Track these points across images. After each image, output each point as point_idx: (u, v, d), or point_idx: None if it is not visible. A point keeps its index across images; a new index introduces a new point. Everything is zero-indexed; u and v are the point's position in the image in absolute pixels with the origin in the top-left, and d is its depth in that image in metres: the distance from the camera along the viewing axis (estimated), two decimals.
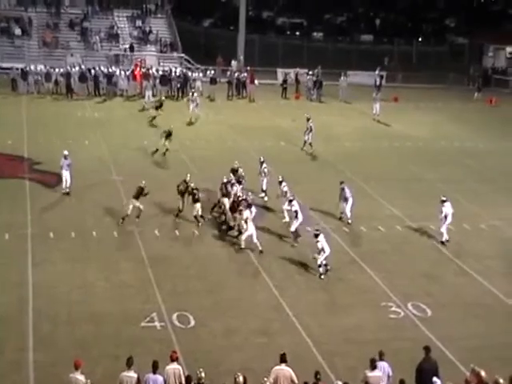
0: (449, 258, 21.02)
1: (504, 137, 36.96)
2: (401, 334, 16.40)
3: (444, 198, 22.03)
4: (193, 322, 16.47)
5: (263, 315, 17.02)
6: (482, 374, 12.46)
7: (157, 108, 35.45)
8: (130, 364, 12.55)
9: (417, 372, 13.26)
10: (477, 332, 16.62)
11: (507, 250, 21.84)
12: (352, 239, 22.14)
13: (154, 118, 35.22)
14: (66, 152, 24.79)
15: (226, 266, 19.85)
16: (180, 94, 43.39)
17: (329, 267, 19.34)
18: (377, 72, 48.57)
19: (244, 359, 14.91)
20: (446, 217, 21.76)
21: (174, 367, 12.74)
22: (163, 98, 38.54)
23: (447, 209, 21.77)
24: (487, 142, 35.76)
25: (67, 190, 24.56)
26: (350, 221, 23.07)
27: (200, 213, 22.27)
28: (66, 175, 24.49)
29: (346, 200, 23.05)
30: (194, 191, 22.25)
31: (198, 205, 22.20)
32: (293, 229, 21.48)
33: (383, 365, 13.29)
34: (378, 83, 47.42)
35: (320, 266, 19.16)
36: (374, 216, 23.86)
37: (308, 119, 31.46)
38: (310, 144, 31.35)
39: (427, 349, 13.55)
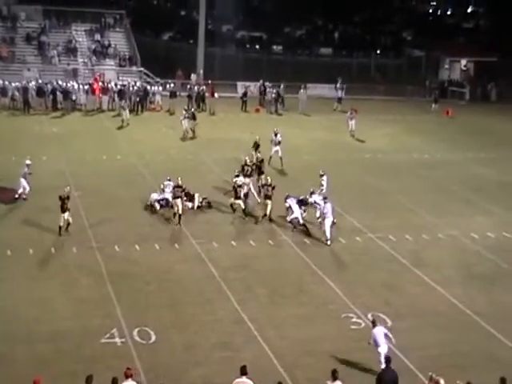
0: (407, 268, 21.26)
1: (460, 147, 37.63)
2: (362, 344, 16.44)
3: (322, 173, 25.96)
4: (154, 338, 16.35)
5: (225, 329, 16.99)
6: (441, 382, 12.64)
7: (194, 119, 36.61)
8: (89, 382, 12.37)
9: (377, 382, 13.40)
10: (435, 341, 16.82)
11: (464, 260, 22.21)
12: (313, 251, 22.24)
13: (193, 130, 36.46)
14: (28, 161, 25.50)
15: (187, 280, 19.76)
16: (140, 108, 43.21)
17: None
18: (338, 85, 49.11)
19: (206, 374, 14.86)
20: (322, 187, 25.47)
21: None
22: (193, 108, 39.15)
23: (324, 182, 25.66)
24: (444, 152, 36.35)
25: (24, 196, 25.14)
26: (328, 242, 22.55)
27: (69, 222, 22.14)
28: (24, 183, 25.08)
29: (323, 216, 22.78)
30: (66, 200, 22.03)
31: (67, 214, 22.02)
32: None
33: (378, 330, 14.97)
34: (339, 95, 47.99)
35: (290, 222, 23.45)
36: (334, 227, 24.02)
37: (276, 134, 31.50)
38: (281, 158, 31.49)
39: (387, 359, 13.69)
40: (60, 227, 22.11)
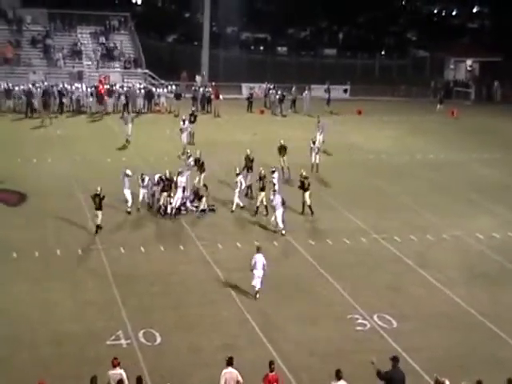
0: (412, 269, 21.24)
1: (465, 148, 37.56)
2: (367, 345, 16.48)
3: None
4: (159, 339, 16.39)
5: (229, 330, 17.01)
6: (446, 383, 12.62)
7: (191, 122, 35.67)
8: (93, 383, 12.48)
9: (387, 381, 13.26)
10: (440, 342, 16.80)
11: (469, 260, 22.18)
12: (318, 252, 22.23)
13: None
14: (129, 172, 24.82)
15: (192, 281, 19.78)
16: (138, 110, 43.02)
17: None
18: (326, 87, 49.09)
19: (210, 375, 14.80)
20: (240, 184, 25.80)
21: (115, 372, 13.02)
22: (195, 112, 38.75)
23: (240, 177, 25.80)
24: (449, 153, 36.27)
25: (128, 209, 24.68)
26: (282, 231, 23.21)
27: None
28: (127, 193, 24.60)
29: (274, 208, 23.39)
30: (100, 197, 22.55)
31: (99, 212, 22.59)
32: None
33: (259, 256, 18.22)
34: (328, 97, 47.99)
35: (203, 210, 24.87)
36: (339, 229, 24.05)
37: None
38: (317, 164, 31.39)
39: (395, 359, 13.56)
40: (98, 225, 22.60)
